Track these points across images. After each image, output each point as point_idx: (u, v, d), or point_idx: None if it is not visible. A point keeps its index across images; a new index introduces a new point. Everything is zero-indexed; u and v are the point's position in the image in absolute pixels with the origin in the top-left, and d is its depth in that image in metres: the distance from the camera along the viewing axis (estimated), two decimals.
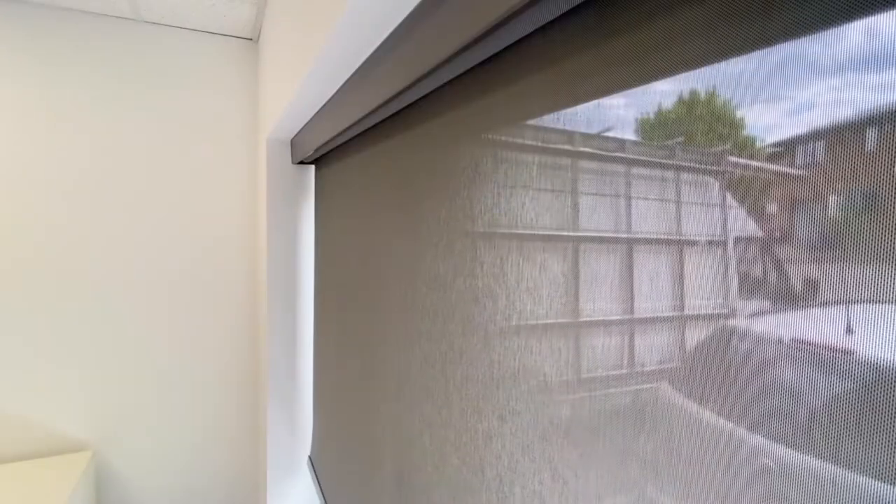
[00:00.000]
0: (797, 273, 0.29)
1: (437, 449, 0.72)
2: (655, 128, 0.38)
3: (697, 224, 0.36)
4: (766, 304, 0.31)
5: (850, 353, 0.26)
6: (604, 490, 0.42)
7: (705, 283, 0.35)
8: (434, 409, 0.73)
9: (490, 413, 0.59)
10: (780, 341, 0.29)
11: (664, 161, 0.38)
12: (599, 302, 0.44)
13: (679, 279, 0.37)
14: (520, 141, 0.54)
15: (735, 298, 0.33)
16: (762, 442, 0.30)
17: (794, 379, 0.28)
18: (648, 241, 0.40)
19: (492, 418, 0.58)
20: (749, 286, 0.32)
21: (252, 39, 2.08)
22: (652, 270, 0.39)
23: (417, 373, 0.79)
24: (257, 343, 2.09)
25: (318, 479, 1.49)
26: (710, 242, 0.35)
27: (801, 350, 0.28)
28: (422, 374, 0.77)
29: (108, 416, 1.90)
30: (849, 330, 0.26)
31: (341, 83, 1.05)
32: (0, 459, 1.75)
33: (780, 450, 0.29)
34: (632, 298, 0.41)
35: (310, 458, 1.66)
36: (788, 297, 0.29)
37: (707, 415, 0.34)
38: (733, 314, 0.33)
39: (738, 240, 0.33)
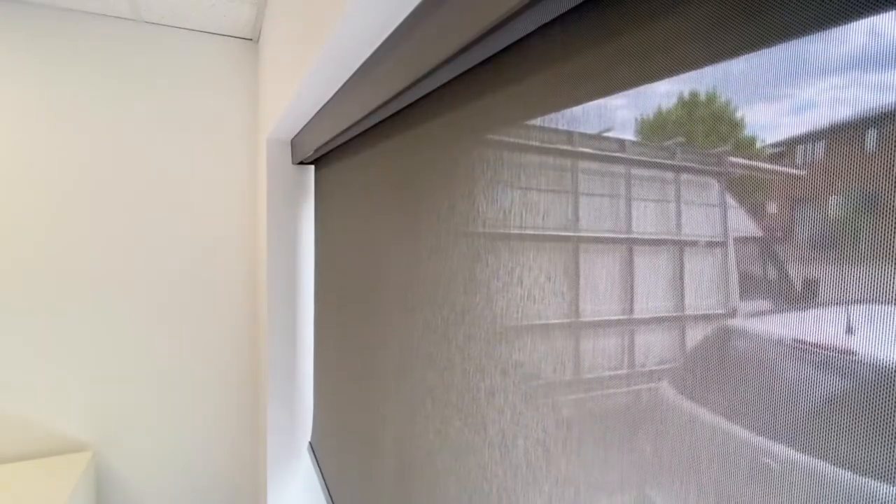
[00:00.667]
0: (797, 273, 0.29)
1: (438, 414, 0.72)
2: (656, 128, 0.38)
3: (698, 224, 0.36)
4: (767, 303, 0.31)
5: (850, 352, 0.26)
6: (610, 431, 0.42)
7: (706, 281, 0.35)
8: (436, 375, 0.73)
9: (493, 369, 0.59)
10: (781, 341, 0.29)
11: (665, 161, 0.38)
12: (599, 299, 0.44)
13: (680, 266, 0.37)
14: (520, 141, 0.54)
15: (736, 298, 0.33)
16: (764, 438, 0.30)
17: (795, 379, 0.28)
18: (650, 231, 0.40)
19: (494, 374, 0.58)
20: (750, 286, 0.32)
21: (252, 40, 2.08)
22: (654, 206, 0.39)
23: (419, 341, 0.79)
24: (257, 342, 2.09)
25: (318, 464, 1.49)
26: (710, 243, 0.35)
27: (802, 350, 0.28)
28: (424, 341, 0.77)
29: (108, 416, 1.90)
30: (849, 330, 0.26)
31: (341, 83, 1.05)
32: (0, 459, 1.75)
33: (782, 449, 0.29)
34: (631, 295, 0.41)
35: (310, 444, 1.66)
36: (789, 296, 0.29)
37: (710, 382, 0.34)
38: (734, 313, 0.33)
39: (738, 240, 0.33)
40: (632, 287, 0.41)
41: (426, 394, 0.76)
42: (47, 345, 1.81)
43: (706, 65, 0.33)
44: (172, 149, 1.97)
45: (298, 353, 1.74)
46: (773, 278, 0.31)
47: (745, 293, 0.32)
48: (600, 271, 0.44)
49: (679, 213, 0.37)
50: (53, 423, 1.82)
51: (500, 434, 0.57)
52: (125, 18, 1.87)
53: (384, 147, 0.98)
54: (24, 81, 1.75)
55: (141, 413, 1.94)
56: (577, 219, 0.47)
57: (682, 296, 0.37)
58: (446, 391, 0.70)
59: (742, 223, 0.33)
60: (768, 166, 0.30)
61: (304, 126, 1.45)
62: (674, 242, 0.38)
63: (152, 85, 1.93)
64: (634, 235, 0.41)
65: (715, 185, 0.34)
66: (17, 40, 1.73)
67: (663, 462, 0.37)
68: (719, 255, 0.34)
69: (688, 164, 0.36)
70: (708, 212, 0.35)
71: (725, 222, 0.34)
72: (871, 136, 0.25)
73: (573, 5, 0.43)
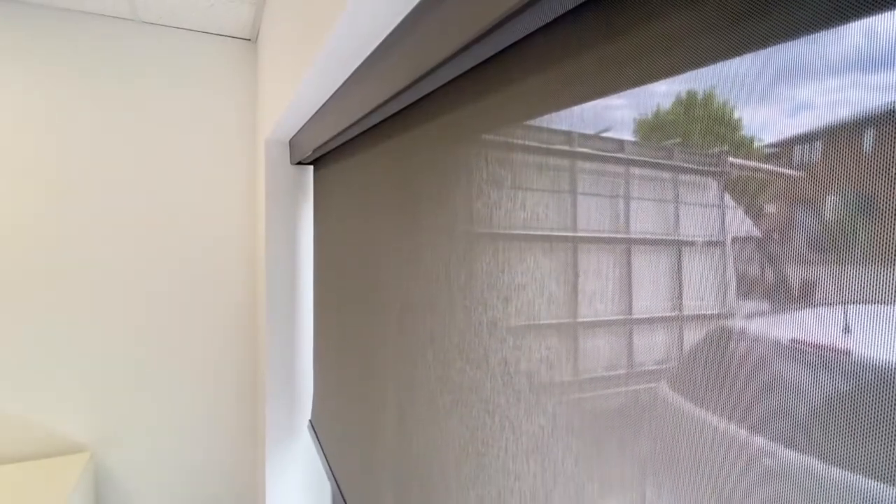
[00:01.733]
0: (795, 273, 0.29)
1: (440, 359, 0.72)
2: (655, 128, 0.38)
3: (696, 225, 0.36)
4: (765, 304, 0.31)
5: (846, 352, 0.26)
6: (615, 345, 0.42)
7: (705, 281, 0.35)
8: (437, 321, 0.73)
9: (495, 299, 0.59)
10: (778, 341, 0.30)
11: (664, 162, 0.38)
12: (601, 298, 0.44)
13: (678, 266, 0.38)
14: (519, 141, 0.54)
15: (734, 298, 0.33)
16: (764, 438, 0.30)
17: (792, 378, 0.29)
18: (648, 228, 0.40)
19: (496, 304, 0.58)
20: (747, 286, 0.32)
21: (250, 40, 2.08)
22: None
23: (420, 294, 0.80)
24: (256, 344, 2.09)
25: (318, 439, 1.50)
26: (708, 243, 0.35)
27: (799, 350, 0.28)
28: (426, 293, 0.78)
29: (106, 417, 1.89)
30: (846, 330, 0.26)
31: (340, 84, 1.05)
32: None
33: (779, 449, 0.29)
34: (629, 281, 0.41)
35: (310, 421, 1.66)
36: (786, 297, 0.29)
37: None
38: (732, 313, 0.33)
39: (736, 240, 0.33)
40: (629, 277, 0.41)
41: (427, 342, 0.77)
42: (46, 346, 1.80)
43: (705, 65, 0.34)
44: (170, 149, 1.97)
45: (297, 349, 1.74)
46: (770, 278, 0.31)
47: (742, 293, 0.32)
48: (600, 265, 0.44)
49: (677, 214, 0.37)
50: (52, 424, 1.81)
51: (503, 363, 0.57)
52: (123, 18, 1.87)
53: (383, 147, 0.98)
54: (22, 81, 1.75)
55: (139, 414, 1.94)
56: (575, 214, 0.47)
57: (680, 286, 0.37)
58: (447, 333, 0.70)
59: (740, 223, 0.33)
60: (766, 167, 0.30)
61: (303, 126, 1.45)
62: (672, 242, 0.38)
63: (150, 85, 1.93)
64: (633, 235, 0.41)
65: (713, 186, 0.34)
66: (15, 40, 1.73)
67: (668, 372, 0.37)
68: (717, 255, 0.34)
69: (687, 164, 0.37)
70: (706, 212, 0.35)
71: (723, 222, 0.34)
72: (869, 137, 0.25)
73: (573, 6, 0.43)
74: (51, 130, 1.79)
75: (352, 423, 1.17)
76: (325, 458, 1.40)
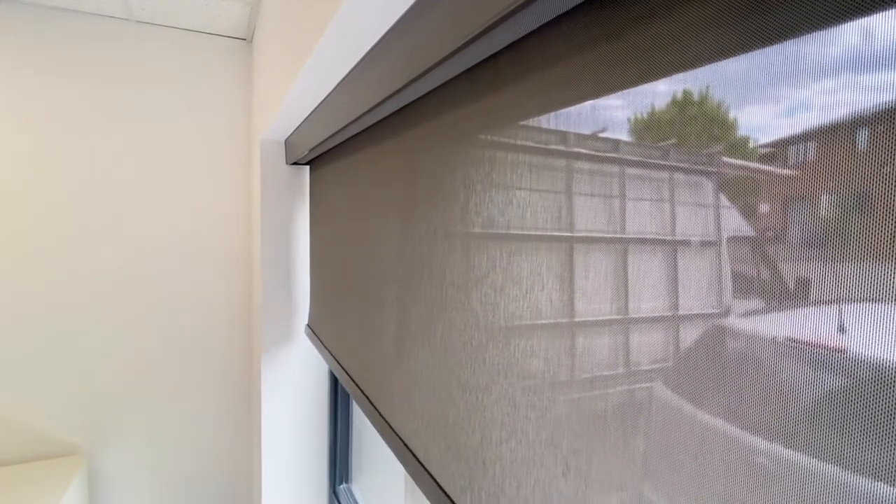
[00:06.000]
0: (790, 272, 0.29)
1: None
2: (651, 128, 0.39)
3: (692, 224, 0.36)
4: (760, 303, 0.31)
5: (842, 351, 0.26)
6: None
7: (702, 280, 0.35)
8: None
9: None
10: (774, 340, 0.30)
11: (660, 162, 0.39)
12: (595, 303, 0.44)
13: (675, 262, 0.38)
14: (516, 142, 0.54)
15: (730, 297, 0.33)
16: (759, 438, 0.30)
17: (788, 377, 0.29)
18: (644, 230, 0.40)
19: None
20: (743, 285, 0.32)
21: (246, 39, 2.07)
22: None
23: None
24: (251, 344, 2.08)
25: (317, 335, 1.51)
26: (704, 242, 0.35)
27: (794, 349, 0.29)
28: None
29: (98, 418, 1.88)
30: (841, 328, 0.26)
31: (336, 84, 1.04)
32: None
33: (775, 448, 0.29)
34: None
35: (308, 325, 1.66)
36: (781, 296, 0.30)
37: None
38: (727, 312, 0.33)
39: (731, 239, 0.33)
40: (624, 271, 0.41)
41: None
42: (38, 346, 1.79)
43: (701, 65, 0.34)
44: (166, 149, 1.96)
45: (293, 350, 1.73)
46: (765, 277, 0.31)
47: (737, 292, 0.33)
48: (597, 266, 0.44)
49: (673, 213, 0.38)
50: (44, 426, 1.80)
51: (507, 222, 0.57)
52: (118, 18, 1.86)
53: (380, 148, 0.98)
54: (16, 81, 1.73)
55: (132, 415, 1.93)
56: (572, 214, 0.47)
57: (676, 285, 0.37)
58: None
59: (735, 223, 0.33)
60: (762, 167, 0.31)
61: (298, 126, 1.44)
62: (668, 242, 0.38)
63: (145, 85, 1.92)
64: (629, 235, 0.41)
65: (709, 185, 0.35)
66: (8, 39, 1.72)
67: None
68: (713, 255, 0.34)
69: (683, 164, 0.37)
70: (701, 212, 0.35)
71: (719, 222, 0.34)
72: (863, 137, 0.25)
73: (570, 6, 0.43)
74: (46, 130, 1.78)
75: (349, 298, 1.18)
76: (324, 346, 1.41)
